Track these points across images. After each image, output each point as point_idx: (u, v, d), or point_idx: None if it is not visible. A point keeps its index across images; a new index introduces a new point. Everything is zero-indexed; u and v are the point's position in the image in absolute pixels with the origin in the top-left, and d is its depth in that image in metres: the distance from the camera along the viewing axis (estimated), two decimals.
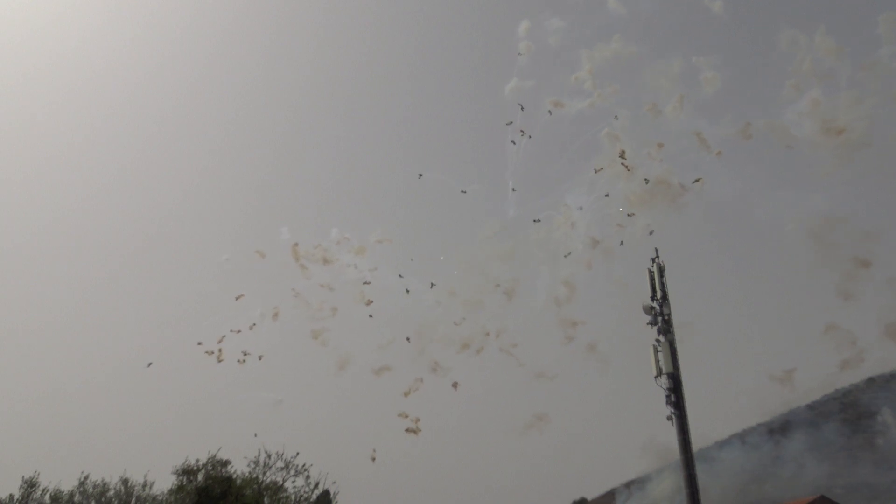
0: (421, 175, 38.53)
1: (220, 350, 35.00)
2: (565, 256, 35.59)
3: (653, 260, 22.45)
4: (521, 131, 35.54)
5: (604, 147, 35.31)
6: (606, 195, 34.43)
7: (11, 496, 31.79)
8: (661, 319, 21.06)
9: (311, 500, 31.84)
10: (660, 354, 20.48)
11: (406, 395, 33.51)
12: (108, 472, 34.79)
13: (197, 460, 31.21)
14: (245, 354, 34.96)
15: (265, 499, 30.86)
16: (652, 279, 22.00)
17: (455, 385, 34.34)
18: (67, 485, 33.25)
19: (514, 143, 36.15)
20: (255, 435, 32.67)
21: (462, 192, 37.42)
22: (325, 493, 32.55)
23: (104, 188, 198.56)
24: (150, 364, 37.26)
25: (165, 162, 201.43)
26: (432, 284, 35.72)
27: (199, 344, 35.24)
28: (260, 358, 35.11)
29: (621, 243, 33.70)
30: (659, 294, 21.56)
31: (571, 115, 36.48)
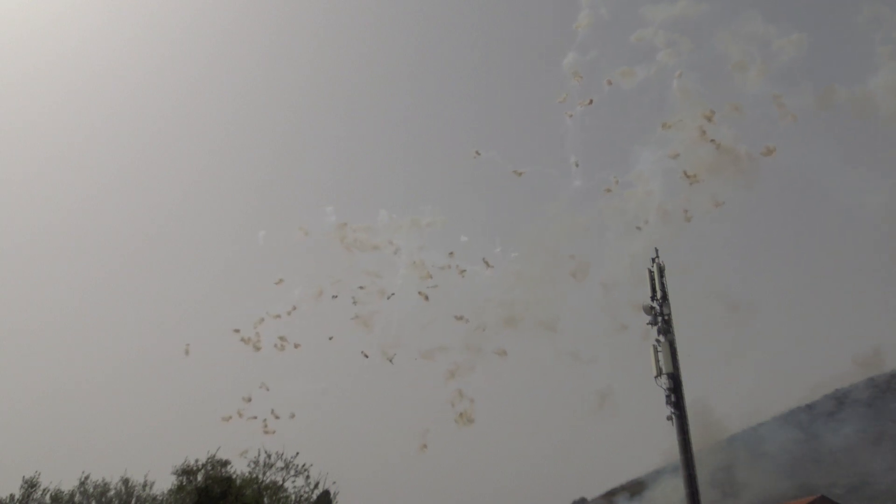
0: (478, 153, 36.22)
1: (257, 335, 33.65)
2: (638, 228, 33.44)
3: (653, 260, 22.46)
4: (581, 102, 33.91)
5: (674, 108, 33.21)
6: (677, 154, 32.39)
7: (12, 496, 31.73)
8: (662, 319, 21.10)
9: (312, 500, 31.83)
10: (660, 354, 20.53)
11: (451, 376, 32.11)
12: (108, 472, 34.59)
13: (196, 460, 31.20)
14: (282, 340, 33.65)
15: (265, 499, 30.86)
16: (652, 279, 22.01)
17: (502, 353, 32.75)
18: (68, 485, 33.11)
19: (571, 116, 34.45)
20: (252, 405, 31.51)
21: (516, 172, 35.32)
22: (326, 493, 32.54)
23: (104, 188, 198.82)
24: (187, 349, 36.05)
25: (165, 162, 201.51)
26: (487, 264, 34.15)
27: (237, 331, 33.82)
28: (296, 346, 33.75)
29: (686, 217, 31.60)
30: (659, 294, 21.58)
31: (635, 82, 34.60)
